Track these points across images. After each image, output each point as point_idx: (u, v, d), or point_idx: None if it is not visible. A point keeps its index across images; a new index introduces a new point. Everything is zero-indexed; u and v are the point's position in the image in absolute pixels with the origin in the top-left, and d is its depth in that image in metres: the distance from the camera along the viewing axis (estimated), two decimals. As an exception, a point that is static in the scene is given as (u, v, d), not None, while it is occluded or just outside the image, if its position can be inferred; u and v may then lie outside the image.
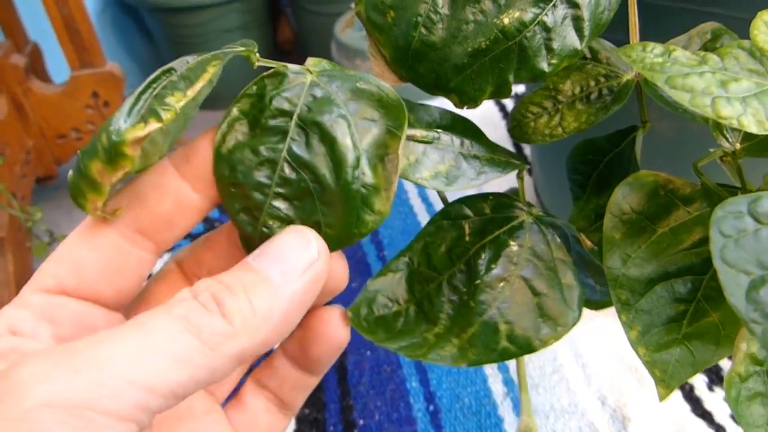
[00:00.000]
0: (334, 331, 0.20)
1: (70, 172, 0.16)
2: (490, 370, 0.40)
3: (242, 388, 0.23)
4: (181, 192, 0.18)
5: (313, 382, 0.23)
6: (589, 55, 0.23)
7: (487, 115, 0.64)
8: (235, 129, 0.18)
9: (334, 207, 0.18)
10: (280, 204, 0.18)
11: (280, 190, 0.18)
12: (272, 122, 0.17)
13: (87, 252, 0.17)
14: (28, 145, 1.39)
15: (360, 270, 0.47)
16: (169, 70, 0.16)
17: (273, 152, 0.17)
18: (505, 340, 0.21)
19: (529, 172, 0.53)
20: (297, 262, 0.17)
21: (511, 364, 0.40)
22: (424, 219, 0.52)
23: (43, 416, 0.13)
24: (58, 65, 1.49)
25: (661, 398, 0.22)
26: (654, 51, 0.17)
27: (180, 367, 0.14)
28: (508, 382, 0.39)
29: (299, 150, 0.17)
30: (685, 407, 0.37)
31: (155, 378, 0.14)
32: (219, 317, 0.15)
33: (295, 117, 0.17)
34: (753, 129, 0.16)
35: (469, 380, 0.39)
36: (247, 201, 0.18)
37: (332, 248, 0.18)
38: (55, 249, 0.18)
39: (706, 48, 0.21)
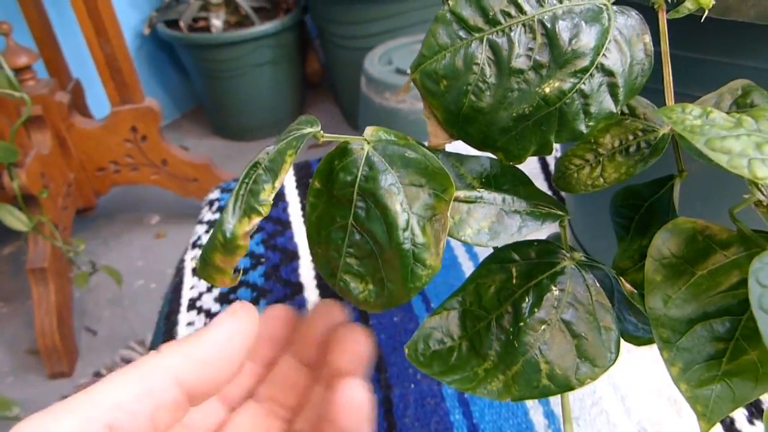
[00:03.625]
0: (356, 397, 0.22)
1: (198, 261, 0.20)
2: (531, 402, 0.41)
3: None
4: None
5: None
6: (627, 111, 0.24)
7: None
8: (316, 200, 0.21)
9: (392, 264, 0.20)
10: (352, 261, 0.21)
11: (350, 250, 0.21)
12: (340, 192, 0.20)
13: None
14: (69, 178, 1.45)
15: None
16: (255, 165, 0.19)
17: (343, 219, 0.20)
18: (546, 379, 0.22)
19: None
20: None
21: (553, 397, 0.41)
22: (465, 263, 0.53)
23: None
24: (98, 99, 1.56)
25: (704, 432, 0.23)
26: (692, 113, 0.19)
27: None
28: (548, 414, 0.40)
29: (362, 216, 0.20)
30: (727, 440, 0.37)
31: None
32: None
33: (356, 187, 0.20)
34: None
35: (511, 413, 0.40)
36: (328, 259, 0.21)
37: (394, 302, 0.21)
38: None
39: (737, 104, 0.23)
